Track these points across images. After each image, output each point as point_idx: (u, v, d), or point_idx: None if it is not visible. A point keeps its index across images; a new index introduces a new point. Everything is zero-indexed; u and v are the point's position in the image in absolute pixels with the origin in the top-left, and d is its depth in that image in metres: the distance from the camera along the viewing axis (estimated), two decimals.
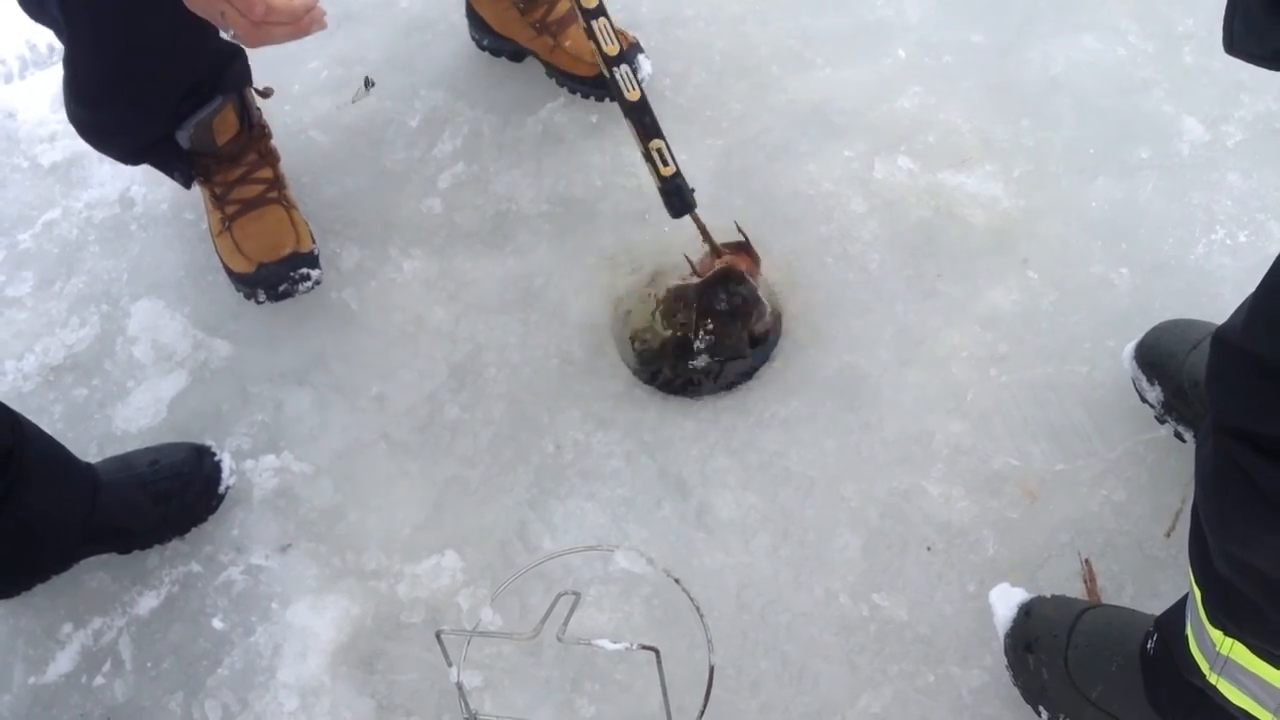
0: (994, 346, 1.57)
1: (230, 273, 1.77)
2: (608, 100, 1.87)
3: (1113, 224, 1.66)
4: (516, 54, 1.98)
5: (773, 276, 1.68)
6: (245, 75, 1.71)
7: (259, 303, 1.75)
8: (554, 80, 1.94)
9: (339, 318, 1.73)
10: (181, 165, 1.73)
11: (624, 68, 1.54)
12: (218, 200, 1.76)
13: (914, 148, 1.78)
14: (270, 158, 1.80)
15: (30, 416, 1.67)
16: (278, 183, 1.79)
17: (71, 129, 1.71)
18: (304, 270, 1.72)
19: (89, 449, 1.64)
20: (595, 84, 1.88)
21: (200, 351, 1.71)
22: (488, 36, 1.98)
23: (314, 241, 1.75)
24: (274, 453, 1.61)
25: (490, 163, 1.86)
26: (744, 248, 1.63)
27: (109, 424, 1.66)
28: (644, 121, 1.56)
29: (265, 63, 1.99)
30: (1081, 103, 1.80)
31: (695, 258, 1.64)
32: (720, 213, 1.73)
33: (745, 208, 1.75)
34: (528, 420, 1.61)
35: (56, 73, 2.02)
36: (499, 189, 1.84)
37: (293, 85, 1.99)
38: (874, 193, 1.74)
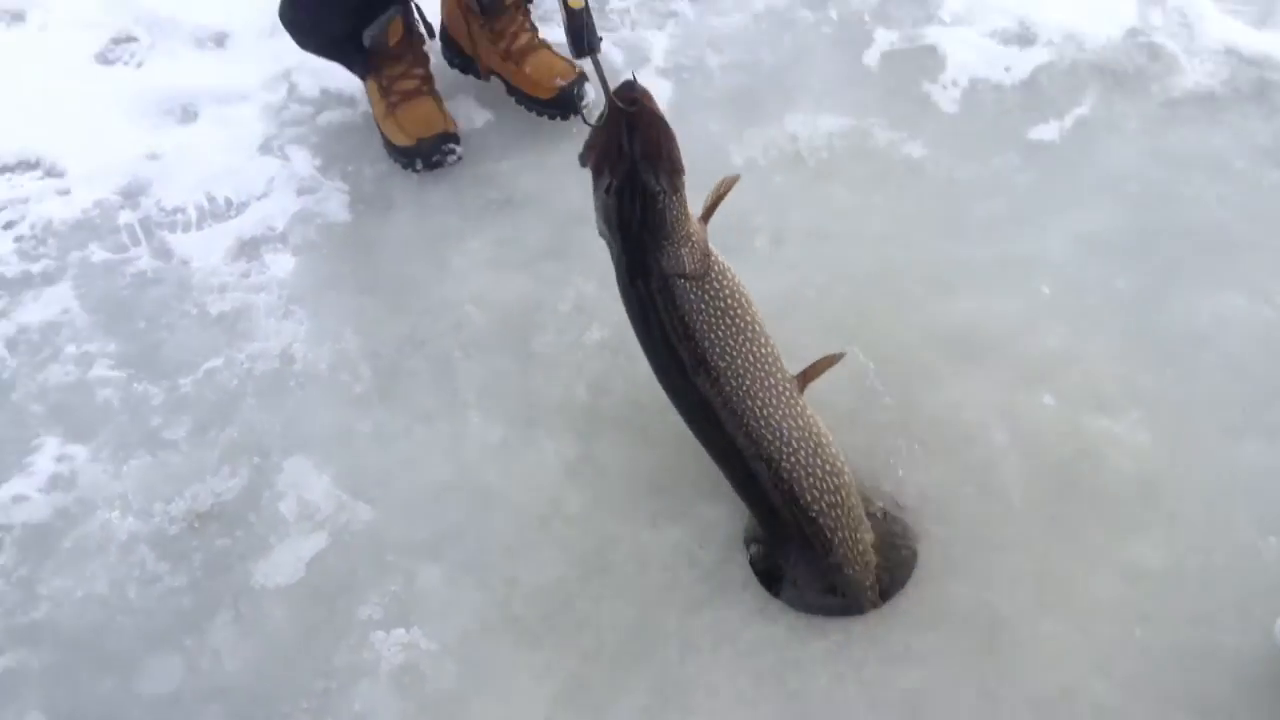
0: (1139, 604, 1.52)
1: (392, 147, 2.19)
2: (568, 119, 2.22)
3: (1261, 489, 1.62)
4: (481, 74, 2.32)
5: (909, 502, 1.66)
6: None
7: (416, 170, 2.17)
8: (514, 99, 2.29)
9: (478, 494, 1.73)
10: (360, 59, 2.19)
11: None
12: (384, 91, 2.19)
13: (1057, 385, 1.76)
14: (424, 59, 2.23)
15: (170, 562, 1.70)
16: (429, 79, 2.23)
17: (241, 281, 1.95)
18: (450, 146, 2.17)
19: (223, 600, 1.65)
20: (550, 105, 2.24)
21: (343, 514, 1.72)
22: (459, 57, 2.34)
23: (455, 124, 2.20)
24: (404, 626, 1.59)
25: (636, 355, 1.88)
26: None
27: (247, 577, 1.67)
28: None
29: (427, 239, 2.08)
30: (1227, 359, 1.78)
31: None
32: (856, 429, 1.73)
33: (884, 427, 1.74)
34: (653, 622, 1.58)
35: (231, 226, 2.14)
36: (641, 380, 1.85)
37: (454, 260, 2.05)
38: (1016, 426, 1.72)
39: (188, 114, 2.35)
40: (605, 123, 1.46)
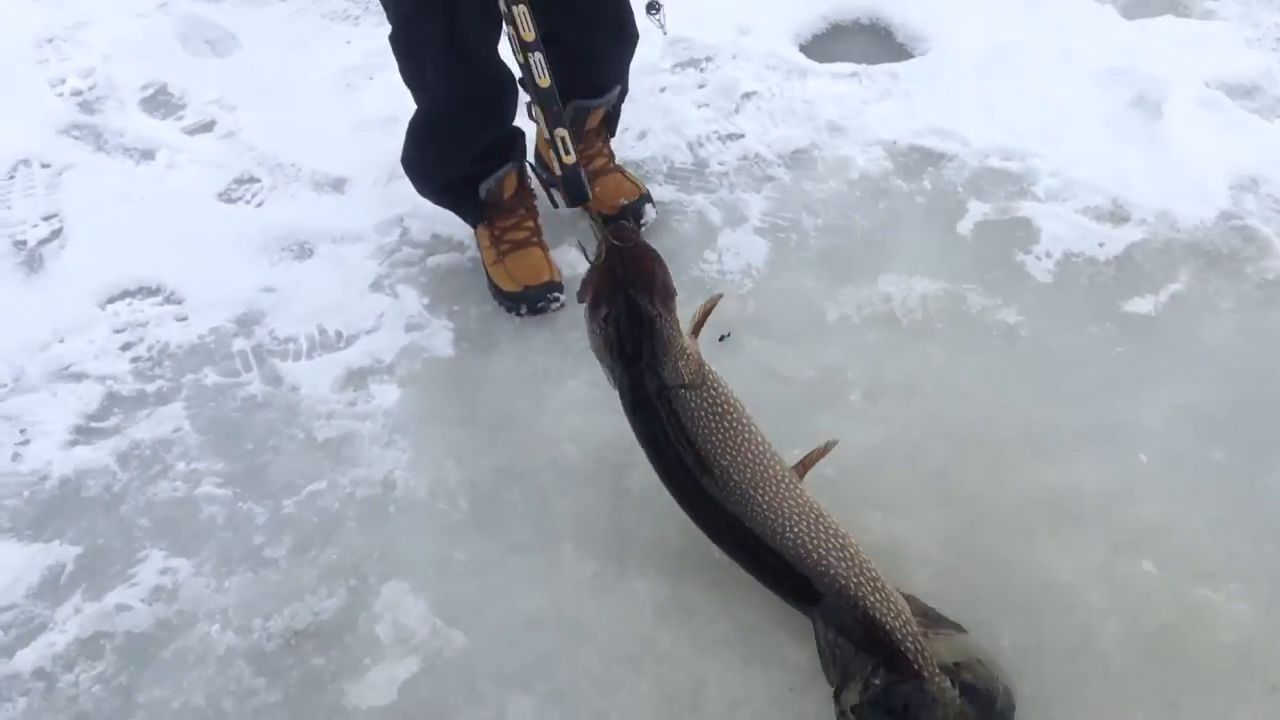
0: None
1: (500, 292, 2.42)
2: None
3: None
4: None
5: (1006, 664, 1.74)
6: (525, 151, 2.36)
7: (520, 315, 2.39)
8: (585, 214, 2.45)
9: (570, 626, 1.85)
10: (474, 208, 2.44)
11: (537, 55, 1.95)
12: (494, 240, 2.44)
13: (1156, 553, 1.86)
14: (534, 212, 2.48)
15: (266, 678, 1.83)
16: (539, 230, 2.46)
17: (347, 410, 2.21)
18: (555, 295, 2.38)
19: (317, 717, 1.76)
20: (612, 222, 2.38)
21: (436, 639, 1.84)
22: (546, 172, 2.51)
23: (560, 274, 2.40)
24: None
25: None
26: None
27: (340, 697, 1.78)
28: (552, 109, 1.98)
29: (528, 378, 2.25)
30: None
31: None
32: (949, 584, 1.83)
33: (978, 584, 1.84)
34: None
35: (340, 357, 2.34)
36: None
37: (551, 399, 2.23)
38: (1115, 591, 1.81)
39: (304, 251, 2.60)
40: (601, 261, 1.78)
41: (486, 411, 2.20)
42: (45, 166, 2.90)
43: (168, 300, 2.52)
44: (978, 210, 2.55)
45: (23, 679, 1.86)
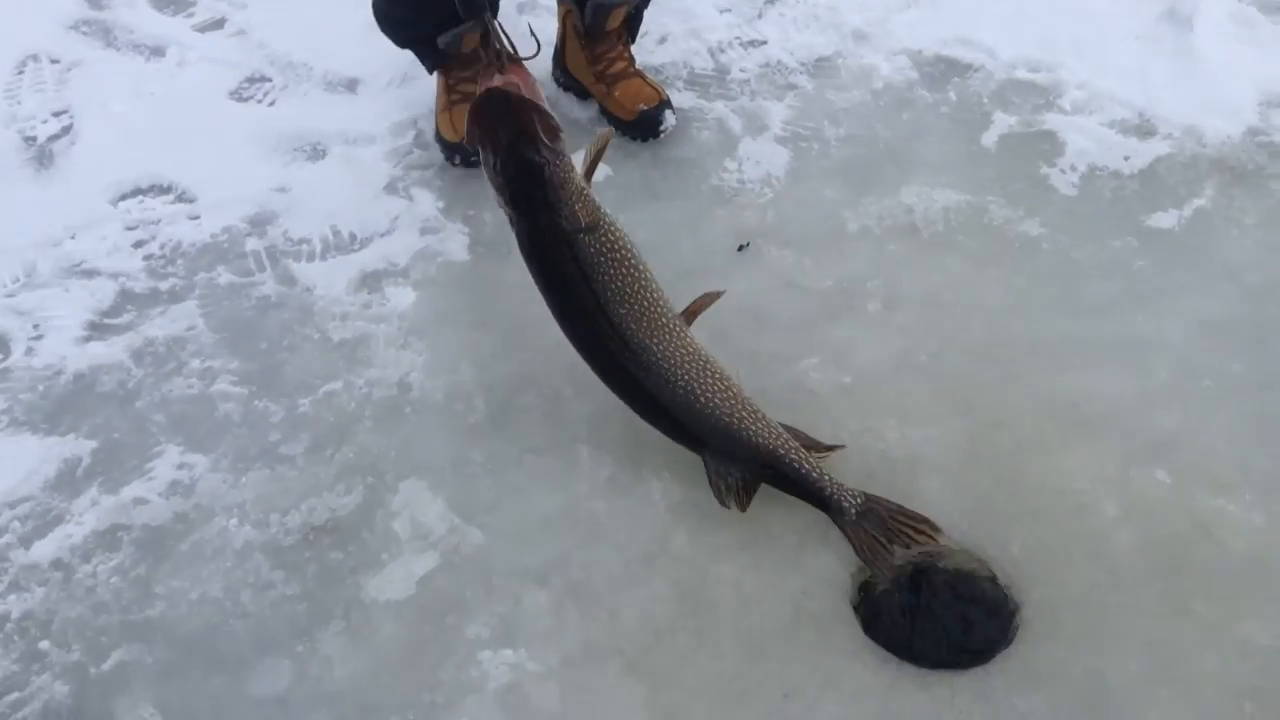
0: (1249, 679, 1.60)
1: (442, 140, 2.50)
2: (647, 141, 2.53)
3: None
4: (582, 92, 2.65)
5: (1012, 568, 1.76)
6: (489, 8, 2.19)
7: (454, 165, 2.48)
8: (604, 118, 2.59)
9: (586, 525, 1.87)
10: (434, 57, 2.48)
11: None
12: (448, 88, 2.51)
13: (1171, 463, 1.86)
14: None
15: (284, 571, 1.85)
16: None
17: (362, 311, 2.23)
18: None
19: (334, 611, 1.79)
20: (632, 126, 2.52)
21: (454, 536, 1.86)
22: (565, 76, 2.65)
23: None
24: (510, 647, 1.72)
25: None
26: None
27: (358, 590, 1.81)
28: None
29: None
30: None
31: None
32: (965, 492, 1.85)
33: (992, 492, 1.86)
34: (757, 661, 1.69)
35: (355, 259, 2.33)
36: None
37: None
38: (1128, 500, 1.82)
39: (316, 152, 2.58)
40: (480, 102, 1.77)
41: (502, 315, 2.20)
42: (54, 62, 2.88)
43: (179, 198, 2.51)
44: (1003, 122, 2.52)
45: (41, 569, 1.89)
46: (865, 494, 1.80)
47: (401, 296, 2.26)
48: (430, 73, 2.56)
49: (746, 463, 1.82)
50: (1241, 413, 1.94)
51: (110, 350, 2.20)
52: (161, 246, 2.40)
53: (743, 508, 1.81)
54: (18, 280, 2.33)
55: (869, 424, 1.98)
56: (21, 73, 2.85)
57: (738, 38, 2.78)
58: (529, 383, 2.09)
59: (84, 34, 2.95)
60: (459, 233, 2.38)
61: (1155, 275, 2.19)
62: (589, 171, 1.90)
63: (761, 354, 2.10)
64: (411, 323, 2.21)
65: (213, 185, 2.51)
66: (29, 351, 2.21)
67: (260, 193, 2.48)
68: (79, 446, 2.05)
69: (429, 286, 2.28)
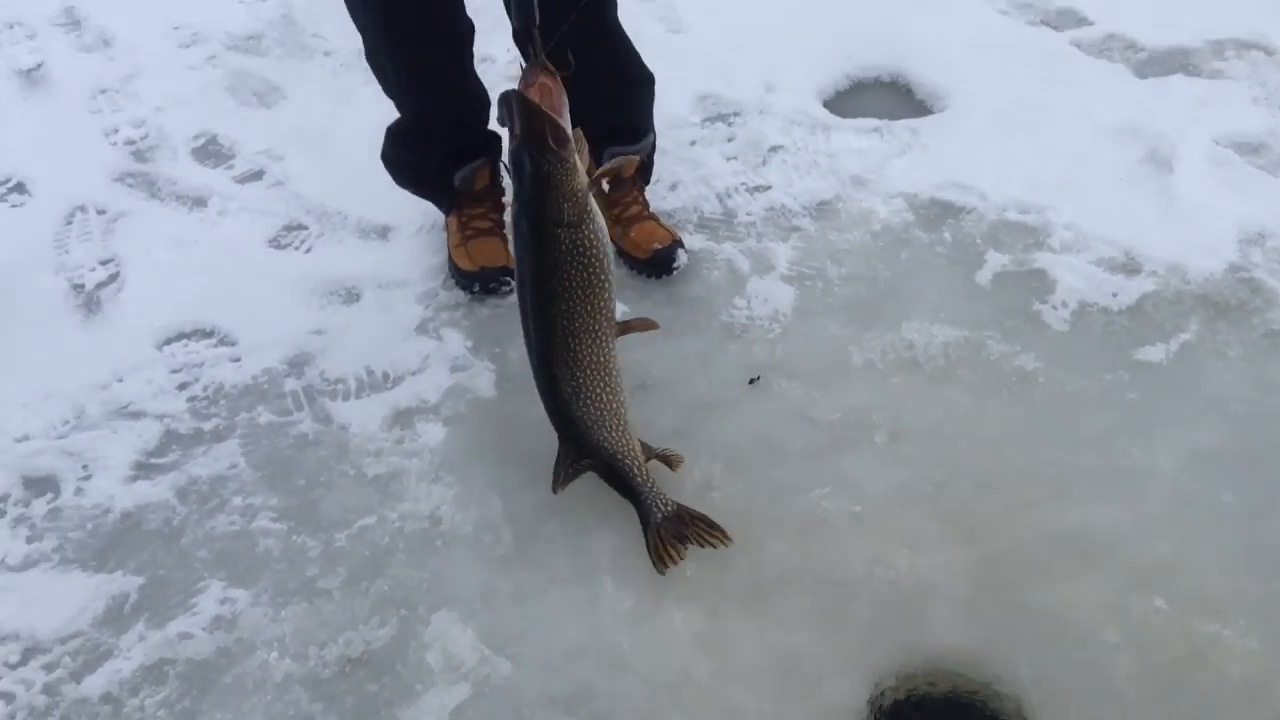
0: None
1: (457, 271, 2.68)
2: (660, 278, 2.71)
3: None
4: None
5: (1021, 694, 1.84)
6: (500, 150, 2.48)
7: (473, 293, 2.66)
8: (621, 259, 2.72)
9: (611, 655, 1.95)
10: (446, 197, 2.72)
11: None
12: (462, 226, 2.72)
13: (1168, 590, 1.95)
14: (501, 206, 2.75)
15: (323, 703, 1.93)
16: (501, 223, 2.73)
17: (395, 447, 2.35)
18: (507, 278, 2.64)
19: None
20: (646, 264, 2.69)
21: (484, 667, 1.95)
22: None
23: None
24: None
25: (758, 533, 2.12)
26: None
27: None
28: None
29: None
30: None
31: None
32: (972, 620, 1.94)
33: (998, 619, 1.94)
34: None
35: (388, 397, 2.46)
36: (765, 558, 2.09)
37: None
38: (1128, 627, 1.90)
39: (351, 296, 2.73)
40: (511, 99, 1.88)
41: (528, 449, 2.31)
42: (101, 213, 3.05)
43: (221, 342, 2.65)
44: (996, 261, 2.67)
45: (91, 703, 1.97)
46: (678, 504, 2.10)
47: (433, 432, 2.38)
48: (446, 214, 2.76)
49: (592, 457, 2.10)
50: (1233, 541, 2.04)
51: (156, 489, 2.32)
52: (205, 388, 2.53)
53: (555, 490, 2.12)
54: (67, 422, 2.46)
55: (881, 553, 2.07)
56: (70, 223, 3.02)
57: (743, 183, 2.96)
58: (554, 514, 2.19)
59: (129, 186, 3.14)
60: (486, 370, 2.51)
61: (1146, 407, 2.31)
62: (595, 181, 2.02)
63: (776, 483, 2.21)
64: (442, 457, 2.33)
65: (253, 329, 2.65)
66: (78, 491, 2.33)
67: (298, 335, 2.63)
68: (126, 583, 2.15)
69: (459, 422, 2.40)
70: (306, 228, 2.96)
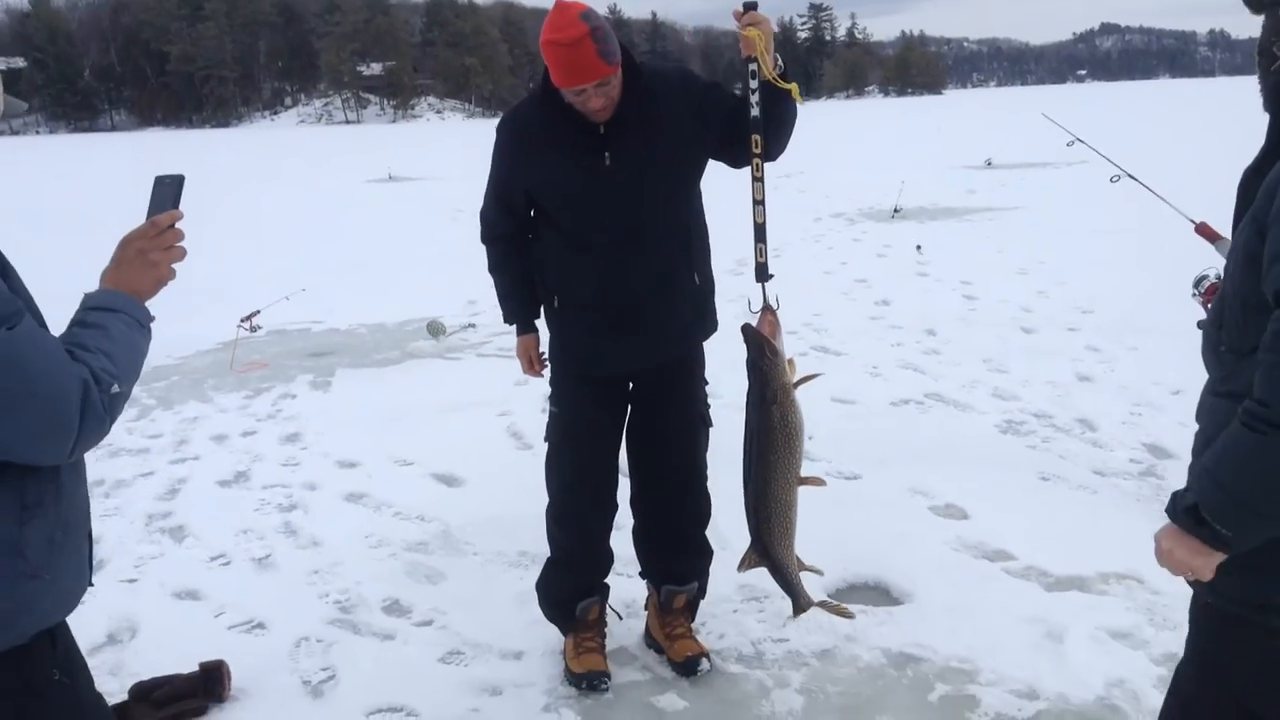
0: None
1: (571, 674, 3.99)
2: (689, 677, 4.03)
3: None
4: (659, 650, 4.15)
5: None
6: (608, 590, 4.18)
7: (580, 689, 3.93)
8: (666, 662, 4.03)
9: None
10: (568, 624, 4.12)
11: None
12: (576, 645, 4.02)
13: None
14: (602, 635, 4.12)
15: None
16: (602, 646, 4.10)
17: None
18: (604, 681, 3.96)
19: None
20: (677, 666, 4.03)
21: None
22: (649, 638, 4.23)
23: (609, 669, 4.01)
24: None
25: None
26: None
27: None
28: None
29: None
30: None
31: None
32: None
33: None
34: None
35: None
36: None
37: None
38: None
39: (495, 690, 4.01)
40: (748, 330, 3.32)
41: None
42: (319, 641, 4.43)
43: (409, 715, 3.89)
44: (941, 689, 3.92)
45: None
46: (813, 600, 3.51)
47: None
48: (563, 635, 4.12)
49: (767, 558, 3.39)
50: None
51: None
52: None
53: (740, 570, 3.53)
54: None
55: None
56: (298, 646, 4.39)
57: (769, 636, 4.31)
58: None
59: (338, 627, 4.55)
60: None
61: None
62: (796, 382, 3.28)
63: None
64: None
65: (431, 704, 3.91)
66: None
67: (461, 714, 3.87)
68: None
69: None
70: (464, 653, 4.30)
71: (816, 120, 66.80)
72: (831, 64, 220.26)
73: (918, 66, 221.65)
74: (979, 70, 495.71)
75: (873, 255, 14.08)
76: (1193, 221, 4.16)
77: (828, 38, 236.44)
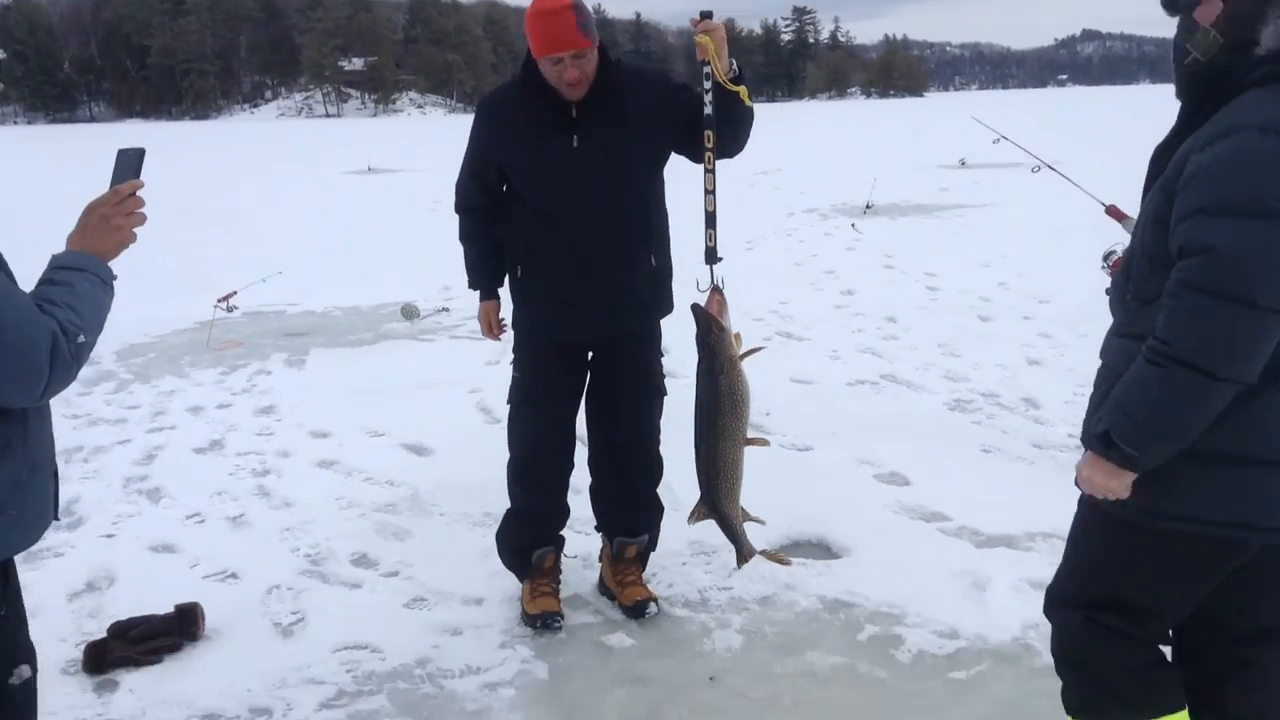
0: None
1: (526, 615, 4.29)
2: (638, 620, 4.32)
3: None
4: (611, 596, 4.43)
5: None
6: (563, 541, 4.51)
7: (535, 628, 4.24)
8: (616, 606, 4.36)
9: None
10: (524, 570, 4.44)
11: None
12: (531, 591, 4.35)
13: None
14: (556, 580, 4.42)
15: None
16: (556, 591, 4.37)
17: None
18: (557, 621, 4.25)
19: None
20: (626, 610, 4.34)
21: None
22: (602, 586, 4.55)
23: (562, 610, 4.30)
24: None
25: None
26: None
27: None
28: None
29: None
30: None
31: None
32: None
33: None
34: None
35: None
36: None
37: None
38: None
39: (456, 630, 4.28)
40: (697, 308, 3.55)
41: None
42: (290, 589, 4.69)
43: (373, 652, 4.16)
44: (870, 629, 4.22)
45: None
46: (756, 550, 3.71)
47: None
48: (520, 580, 4.41)
49: (715, 513, 3.59)
50: None
51: None
52: (356, 678, 4.01)
53: (690, 523, 3.74)
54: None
55: None
56: (269, 593, 4.65)
57: (715, 585, 4.60)
58: None
59: (308, 576, 4.81)
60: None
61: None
62: (741, 355, 3.51)
63: None
64: None
65: (390, 642, 4.18)
66: None
67: (421, 648, 4.14)
68: None
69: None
70: (427, 600, 4.57)
71: (796, 120, 67.32)
72: (814, 66, 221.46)
73: (900, 70, 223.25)
74: (961, 74, 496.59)
75: (842, 249, 14.40)
76: (1103, 204, 4.48)
77: (811, 40, 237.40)
